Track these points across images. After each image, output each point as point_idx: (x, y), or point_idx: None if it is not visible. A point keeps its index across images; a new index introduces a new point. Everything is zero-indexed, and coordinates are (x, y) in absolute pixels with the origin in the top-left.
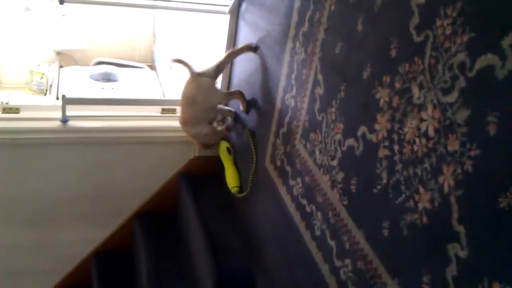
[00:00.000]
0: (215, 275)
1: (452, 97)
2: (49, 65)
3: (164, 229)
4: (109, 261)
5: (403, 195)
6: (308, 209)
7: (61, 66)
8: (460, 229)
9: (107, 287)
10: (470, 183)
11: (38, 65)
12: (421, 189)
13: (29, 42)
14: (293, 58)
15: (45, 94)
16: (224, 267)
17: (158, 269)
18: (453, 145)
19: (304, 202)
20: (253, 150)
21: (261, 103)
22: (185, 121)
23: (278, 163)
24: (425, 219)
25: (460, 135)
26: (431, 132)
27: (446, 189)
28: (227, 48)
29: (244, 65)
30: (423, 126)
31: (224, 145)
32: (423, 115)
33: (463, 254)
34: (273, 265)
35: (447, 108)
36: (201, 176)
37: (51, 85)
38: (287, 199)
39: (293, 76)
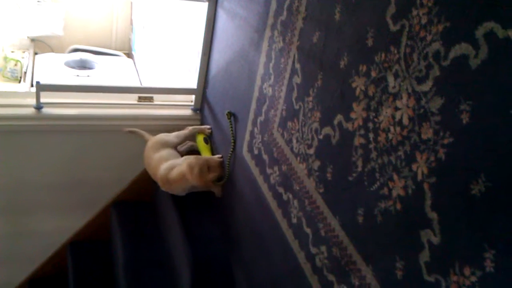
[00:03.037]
0: (192, 264)
1: (426, 86)
2: (24, 52)
3: (141, 218)
4: (85, 251)
5: (378, 183)
6: (284, 197)
7: (35, 53)
8: (433, 215)
9: (82, 277)
10: (443, 170)
11: (12, 52)
12: (395, 177)
13: (3, 28)
14: (271, 46)
15: (19, 81)
16: (201, 255)
17: (134, 259)
18: (427, 133)
19: (281, 190)
20: (232, 132)
21: (239, 92)
22: (162, 175)
23: (256, 151)
24: (398, 206)
25: (434, 124)
26: (405, 121)
27: (419, 177)
28: (205, 37)
29: (223, 53)
30: (397, 115)
31: (200, 136)
32: (398, 103)
33: (435, 240)
34: (250, 253)
35: (422, 96)
36: None
37: (25, 72)
38: (264, 187)
39: (271, 64)
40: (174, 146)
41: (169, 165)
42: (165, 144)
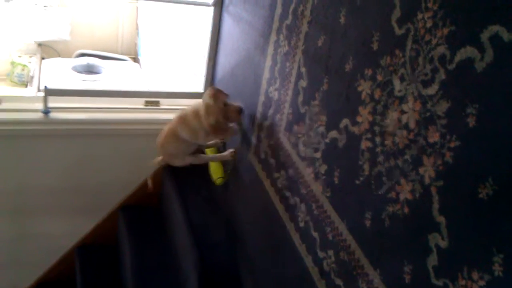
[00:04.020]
0: (199, 268)
1: (432, 90)
2: (31, 56)
3: (148, 221)
4: (93, 254)
5: (385, 186)
6: (292, 201)
7: (42, 58)
8: (441, 219)
9: (90, 281)
10: (450, 174)
11: (19, 57)
12: (402, 180)
13: (10, 33)
14: (276, 50)
15: (26, 86)
16: (208, 259)
17: (142, 262)
18: (434, 137)
19: (288, 194)
20: (240, 127)
21: (245, 96)
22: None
23: (262, 155)
24: (406, 210)
25: (440, 127)
26: (411, 124)
27: (427, 180)
28: (211, 41)
29: (229, 57)
30: (404, 118)
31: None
32: (404, 107)
33: (443, 244)
34: (257, 257)
35: (428, 100)
36: (185, 169)
37: (32, 77)
38: (271, 191)
39: (276, 68)
40: None
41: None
42: None
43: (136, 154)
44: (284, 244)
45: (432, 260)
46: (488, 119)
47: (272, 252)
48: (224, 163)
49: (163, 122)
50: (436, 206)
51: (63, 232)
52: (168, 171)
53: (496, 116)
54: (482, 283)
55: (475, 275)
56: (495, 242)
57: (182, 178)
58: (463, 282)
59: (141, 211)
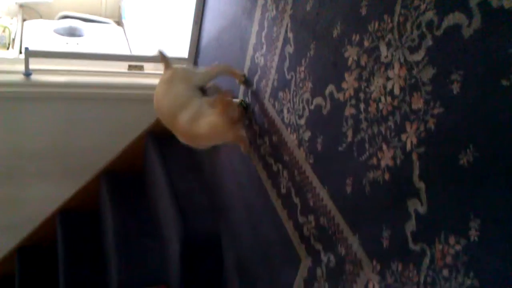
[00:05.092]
0: (182, 234)
1: (418, 56)
2: (12, 18)
3: (131, 188)
4: (75, 219)
5: (367, 153)
6: (274, 168)
7: (24, 20)
8: (421, 185)
9: (72, 246)
10: (432, 140)
11: (0, 18)
12: (384, 147)
13: None
14: (264, 15)
15: (8, 48)
16: (190, 225)
17: (124, 228)
18: (417, 103)
19: (271, 161)
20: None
21: (230, 61)
22: (185, 127)
23: (246, 122)
24: (387, 176)
25: (425, 94)
26: (396, 91)
27: (408, 147)
28: (197, 4)
29: (215, 21)
30: (389, 85)
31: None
32: (390, 73)
33: (422, 209)
34: (239, 223)
35: (413, 66)
36: (168, 135)
37: (13, 39)
38: (254, 158)
39: (263, 33)
40: (196, 87)
41: (192, 116)
42: (186, 81)
43: (120, 119)
44: (266, 210)
45: (411, 226)
46: (473, 86)
47: (254, 217)
48: None
49: (147, 87)
50: (416, 172)
51: (45, 197)
52: (152, 136)
53: (480, 83)
54: (458, 247)
55: (451, 240)
56: (473, 208)
57: (165, 144)
58: (439, 247)
59: (124, 177)
